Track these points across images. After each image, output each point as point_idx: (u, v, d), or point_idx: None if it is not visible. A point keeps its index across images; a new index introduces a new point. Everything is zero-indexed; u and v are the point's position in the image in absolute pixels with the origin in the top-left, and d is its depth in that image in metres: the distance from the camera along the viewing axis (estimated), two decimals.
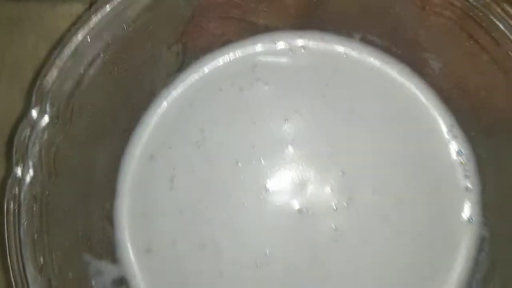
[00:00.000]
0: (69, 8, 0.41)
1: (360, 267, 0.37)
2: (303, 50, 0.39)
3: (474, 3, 0.32)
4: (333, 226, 0.37)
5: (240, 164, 0.38)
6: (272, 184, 0.37)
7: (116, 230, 0.38)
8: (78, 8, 0.41)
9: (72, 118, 0.33)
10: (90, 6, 0.33)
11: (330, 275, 0.37)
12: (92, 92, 0.34)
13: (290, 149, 0.38)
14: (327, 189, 0.37)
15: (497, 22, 0.32)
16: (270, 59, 0.39)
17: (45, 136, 0.32)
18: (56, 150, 0.33)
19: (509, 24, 0.31)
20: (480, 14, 0.32)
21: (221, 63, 0.39)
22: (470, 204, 0.37)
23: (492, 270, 0.36)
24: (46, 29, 0.41)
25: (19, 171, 0.32)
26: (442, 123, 0.38)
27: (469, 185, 0.37)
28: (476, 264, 0.36)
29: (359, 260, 0.37)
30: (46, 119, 0.32)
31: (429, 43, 0.36)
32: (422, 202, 0.37)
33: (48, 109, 0.32)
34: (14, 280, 0.31)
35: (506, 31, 0.32)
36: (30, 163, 0.32)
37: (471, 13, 0.32)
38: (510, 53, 0.32)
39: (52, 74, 0.32)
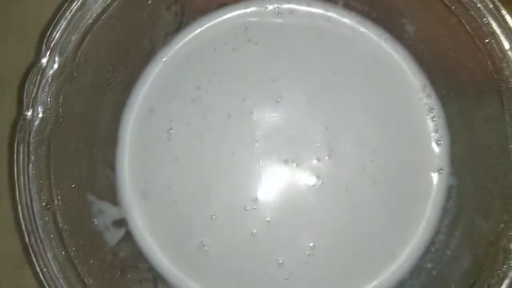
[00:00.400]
0: None
1: (340, 212, 0.40)
2: (291, 14, 0.41)
3: None
4: (316, 175, 0.40)
5: (232, 118, 0.41)
6: (261, 136, 0.40)
7: (117, 176, 0.40)
8: None
9: (78, 69, 0.35)
10: None
11: (313, 218, 0.40)
12: (96, 45, 0.36)
13: (278, 105, 0.41)
14: (312, 142, 0.40)
15: None
16: (261, 21, 0.41)
17: (54, 84, 0.34)
18: (63, 97, 0.35)
19: None
20: None
21: (216, 24, 0.41)
22: (440, 156, 0.40)
23: (458, 216, 0.39)
24: None
25: (29, 114, 0.34)
26: (416, 83, 0.41)
27: (439, 138, 0.40)
28: (444, 211, 0.40)
29: (339, 206, 0.40)
30: (55, 67, 0.34)
31: (405, 9, 0.39)
32: (396, 154, 0.40)
33: (57, 58, 0.34)
34: (22, 215, 0.34)
35: None
36: (39, 108, 0.34)
37: None
38: (475, 15, 0.35)
39: (62, 26, 0.34)
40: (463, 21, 0.35)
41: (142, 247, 0.40)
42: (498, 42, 0.34)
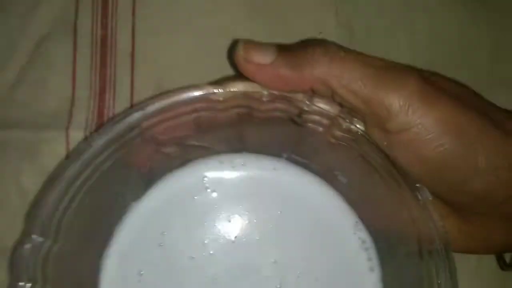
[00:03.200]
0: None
1: None
2: (243, 166, 0.48)
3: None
4: None
5: (194, 259, 0.47)
6: (221, 273, 0.46)
7: None
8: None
9: (58, 238, 0.40)
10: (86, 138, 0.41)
11: None
12: (76, 215, 0.41)
13: (234, 244, 0.47)
14: (264, 276, 0.47)
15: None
16: (217, 173, 0.48)
17: (39, 253, 0.39)
18: (48, 263, 0.39)
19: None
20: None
21: (179, 178, 0.48)
22: (374, 282, 0.47)
23: None
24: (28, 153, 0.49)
25: (20, 284, 0.39)
26: (349, 221, 0.48)
27: (372, 266, 0.47)
28: None
29: None
30: (40, 239, 0.39)
31: (336, 164, 0.47)
32: (336, 280, 0.47)
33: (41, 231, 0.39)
34: None
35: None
36: (28, 276, 0.39)
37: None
38: (393, 170, 0.42)
39: (47, 205, 0.39)
40: (388, 177, 0.42)
41: None
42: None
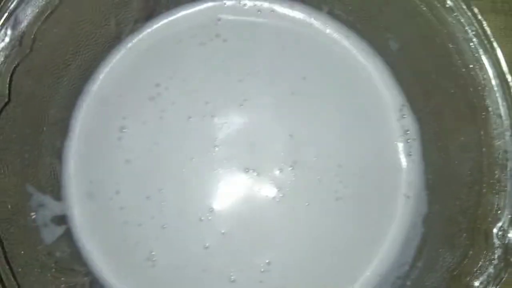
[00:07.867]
0: None
1: (299, 228, 0.38)
2: (270, 14, 0.39)
3: None
4: (277, 187, 0.38)
5: (192, 120, 0.38)
6: (222, 141, 0.38)
7: (63, 168, 0.37)
8: None
9: (33, 46, 0.32)
10: None
11: (271, 233, 0.38)
12: (57, 22, 0.33)
13: (242, 109, 0.38)
14: (275, 151, 0.38)
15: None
16: (235, 16, 0.39)
17: (2, 58, 0.31)
18: (12, 75, 0.32)
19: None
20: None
21: (188, 14, 0.38)
22: (410, 180, 0.38)
23: (423, 246, 0.37)
24: None
25: None
26: (393, 102, 0.39)
27: (411, 162, 0.38)
28: (409, 239, 0.38)
29: (298, 221, 0.38)
30: (6, 40, 0.31)
31: (392, 23, 0.37)
32: (363, 171, 0.38)
33: (9, 31, 0.31)
34: None
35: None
36: None
37: None
38: (461, 38, 0.33)
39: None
40: (449, 43, 0.33)
41: (82, 249, 0.37)
42: (482, 69, 0.33)
